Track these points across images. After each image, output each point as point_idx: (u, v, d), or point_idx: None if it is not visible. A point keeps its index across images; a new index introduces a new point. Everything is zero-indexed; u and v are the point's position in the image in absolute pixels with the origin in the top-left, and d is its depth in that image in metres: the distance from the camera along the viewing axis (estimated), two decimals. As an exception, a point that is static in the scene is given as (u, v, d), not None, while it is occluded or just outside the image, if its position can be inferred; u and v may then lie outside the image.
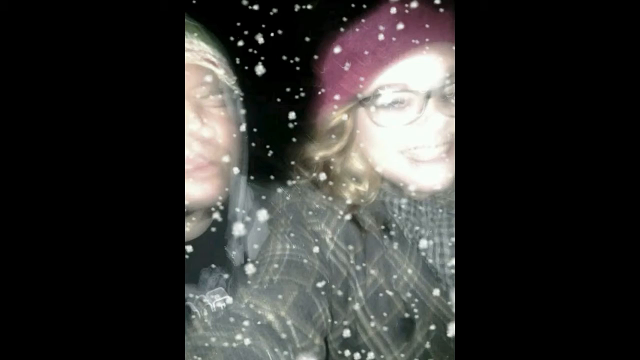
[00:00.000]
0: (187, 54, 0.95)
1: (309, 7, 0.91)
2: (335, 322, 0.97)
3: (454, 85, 0.89)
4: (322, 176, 1.01)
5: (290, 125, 0.92)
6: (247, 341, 0.77)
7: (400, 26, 0.87)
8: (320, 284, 0.92)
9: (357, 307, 0.99)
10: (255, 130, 1.09)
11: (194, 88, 0.97)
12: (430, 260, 1.00)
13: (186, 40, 0.96)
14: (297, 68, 0.96)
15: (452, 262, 0.97)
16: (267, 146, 1.03)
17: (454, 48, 0.87)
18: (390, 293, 0.98)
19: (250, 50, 0.94)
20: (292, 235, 0.99)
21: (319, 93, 0.97)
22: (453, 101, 0.90)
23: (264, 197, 1.13)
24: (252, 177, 1.16)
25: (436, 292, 0.98)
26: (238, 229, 1.06)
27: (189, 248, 0.97)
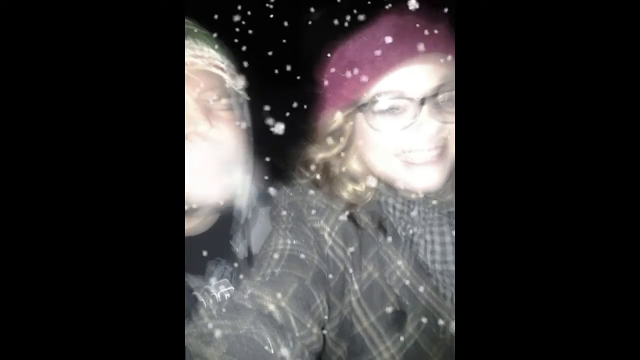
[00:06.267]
0: (196, 60, 0.99)
1: (312, 18, 0.96)
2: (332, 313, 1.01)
3: (446, 93, 0.94)
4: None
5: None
6: (250, 329, 0.81)
7: (397, 37, 0.92)
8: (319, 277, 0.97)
9: (352, 299, 1.03)
10: (259, 132, 1.14)
11: (203, 92, 1.02)
12: (422, 257, 1.04)
13: (196, 47, 1.01)
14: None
15: (442, 258, 1.02)
16: (271, 147, 1.08)
17: (447, 58, 0.92)
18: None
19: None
20: (292, 231, 1.03)
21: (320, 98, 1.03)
22: (446, 108, 0.94)
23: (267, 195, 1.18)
24: (256, 177, 1.21)
25: (421, 288, 1.02)
26: None
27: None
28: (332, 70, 0.99)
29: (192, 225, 1.16)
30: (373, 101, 0.95)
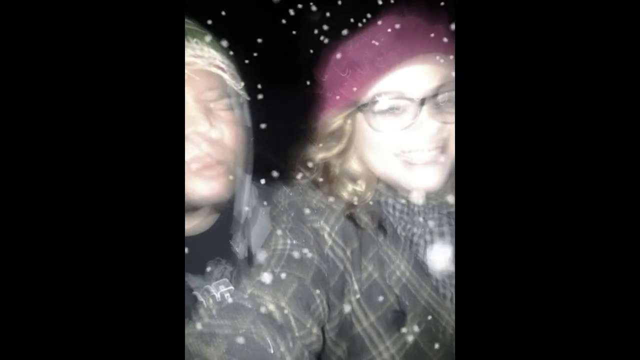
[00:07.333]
0: (197, 60, 0.99)
1: (312, 18, 0.96)
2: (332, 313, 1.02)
3: (446, 93, 0.94)
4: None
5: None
6: (249, 329, 0.81)
7: (397, 37, 0.92)
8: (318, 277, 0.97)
9: (352, 299, 1.03)
10: (260, 132, 1.15)
11: (204, 92, 1.02)
12: (422, 257, 1.05)
13: (196, 47, 1.01)
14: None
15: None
16: (271, 147, 1.08)
17: (446, 59, 0.92)
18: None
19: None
20: (292, 231, 1.03)
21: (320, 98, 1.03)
22: (445, 108, 0.94)
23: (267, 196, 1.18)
24: (256, 176, 1.21)
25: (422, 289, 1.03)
26: None
27: None
28: (332, 70, 0.99)
29: (192, 225, 1.16)
30: (373, 101, 0.95)
